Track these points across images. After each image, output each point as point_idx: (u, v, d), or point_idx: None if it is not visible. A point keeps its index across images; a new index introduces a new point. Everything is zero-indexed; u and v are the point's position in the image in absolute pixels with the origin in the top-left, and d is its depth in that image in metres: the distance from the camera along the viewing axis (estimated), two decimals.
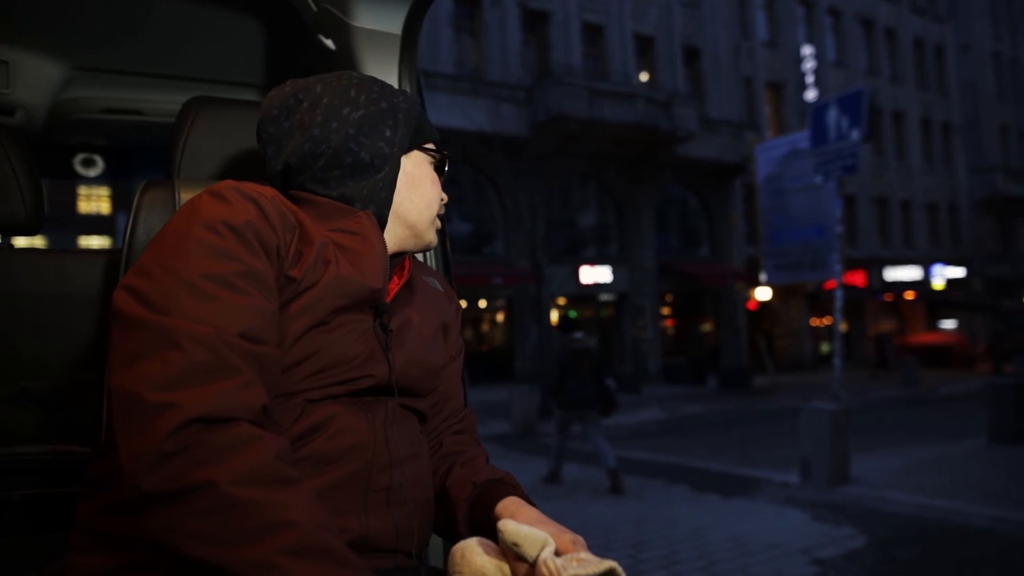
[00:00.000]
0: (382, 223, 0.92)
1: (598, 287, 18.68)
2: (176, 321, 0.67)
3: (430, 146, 0.98)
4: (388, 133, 0.92)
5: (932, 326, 27.56)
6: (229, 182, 0.80)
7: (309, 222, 0.83)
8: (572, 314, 19.76)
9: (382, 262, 0.86)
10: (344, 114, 0.90)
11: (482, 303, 18.26)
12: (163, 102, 1.99)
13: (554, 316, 18.57)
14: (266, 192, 0.81)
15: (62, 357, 1.34)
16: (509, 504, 0.87)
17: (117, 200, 19.15)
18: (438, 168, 1.00)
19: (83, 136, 2.15)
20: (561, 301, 18.85)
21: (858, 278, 23.85)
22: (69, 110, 1.95)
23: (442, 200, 1.00)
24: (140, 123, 2.03)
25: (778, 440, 9.28)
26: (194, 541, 0.60)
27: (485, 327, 18.90)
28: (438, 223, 1.00)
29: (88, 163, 2.24)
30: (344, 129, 0.89)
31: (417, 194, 0.95)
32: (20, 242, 1.50)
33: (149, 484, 0.61)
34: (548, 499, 6.25)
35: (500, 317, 18.78)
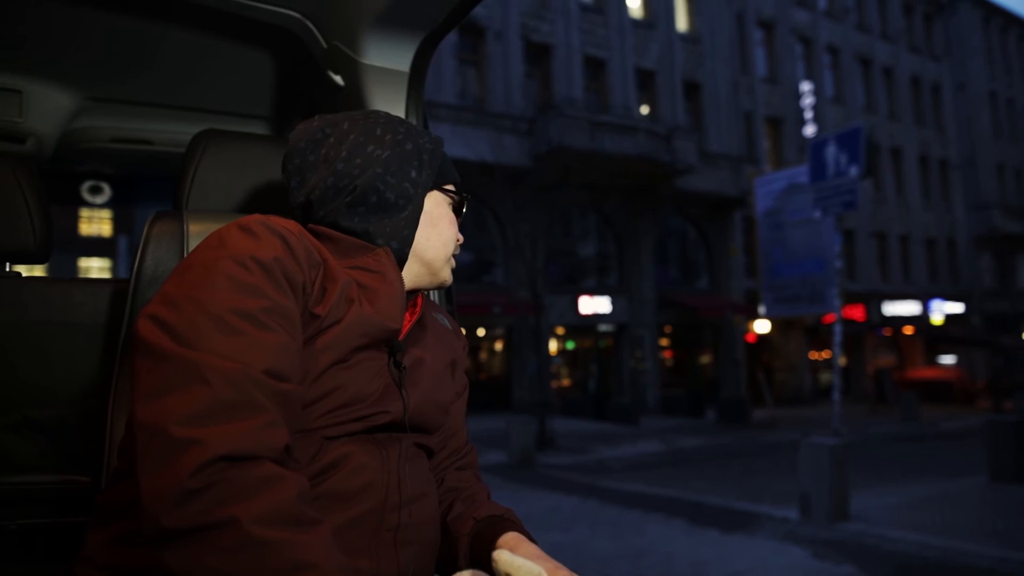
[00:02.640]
0: (401, 261, 0.94)
1: (597, 318, 18.67)
2: (202, 356, 0.67)
3: (450, 187, 1.00)
4: (413, 174, 0.94)
5: (931, 361, 27.50)
6: (257, 217, 0.80)
7: (334, 262, 0.84)
8: (570, 345, 19.73)
9: (400, 301, 0.87)
10: (369, 151, 0.91)
11: (481, 332, 18.22)
12: (172, 132, 2.02)
13: (553, 346, 18.53)
14: (292, 228, 0.81)
15: (66, 386, 1.34)
16: (509, 539, 0.88)
17: (118, 223, 19.21)
18: (456, 209, 1.02)
19: (92, 164, 2.17)
20: (560, 331, 18.82)
21: (857, 312, 23.86)
22: (79, 139, 1.98)
23: (458, 240, 1.02)
24: (148, 153, 2.06)
25: (777, 474, 9.20)
26: None
27: (484, 356, 18.84)
28: (453, 262, 1.02)
29: (95, 190, 2.26)
30: (371, 168, 0.90)
31: (435, 233, 0.97)
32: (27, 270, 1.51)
33: (170, 521, 0.60)
34: (546, 530, 6.18)
35: (499, 346, 18.73)
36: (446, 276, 1.01)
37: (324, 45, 1.50)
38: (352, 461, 0.80)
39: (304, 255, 0.79)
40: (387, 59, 1.41)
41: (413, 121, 1.49)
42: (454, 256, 1.03)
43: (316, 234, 0.91)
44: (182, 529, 0.61)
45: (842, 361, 7.87)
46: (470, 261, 17.34)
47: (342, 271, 0.84)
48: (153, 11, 1.53)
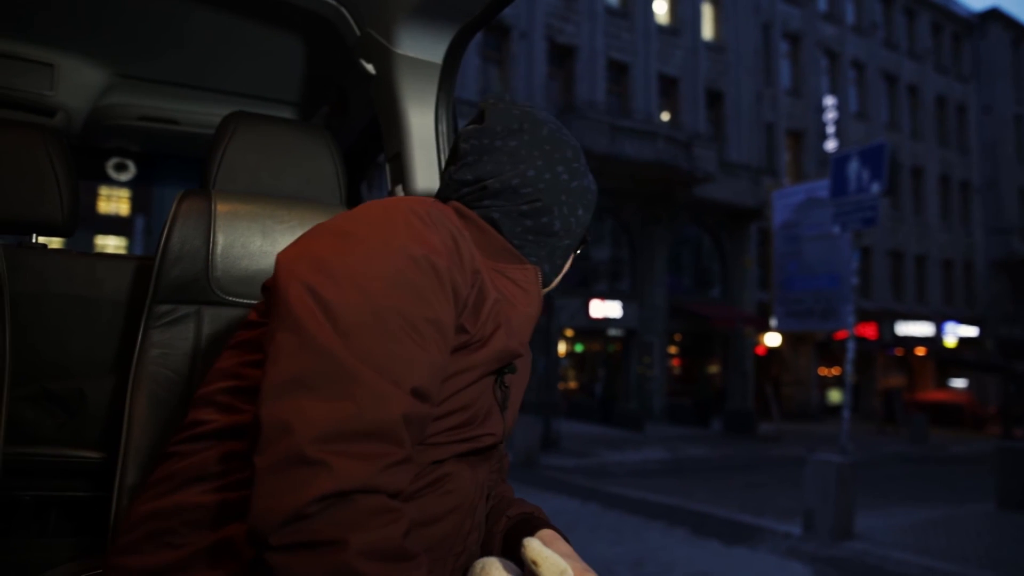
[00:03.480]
0: (545, 286, 0.93)
1: (607, 322, 18.62)
2: (358, 362, 0.63)
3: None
4: (580, 212, 0.94)
5: (942, 384, 27.23)
6: (427, 203, 0.76)
7: (479, 259, 0.80)
8: (579, 348, 19.69)
9: (533, 325, 0.87)
10: (558, 173, 0.90)
11: None
12: (198, 113, 2.02)
13: (561, 348, 18.50)
14: (460, 226, 0.78)
15: (86, 361, 1.34)
16: (544, 535, 0.88)
17: (136, 203, 19.36)
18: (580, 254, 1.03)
19: (118, 141, 2.18)
20: (569, 333, 18.78)
21: (869, 330, 23.67)
22: (108, 115, 1.98)
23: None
24: (174, 132, 2.06)
25: (782, 489, 9.14)
26: None
27: None
28: None
29: (120, 167, 2.27)
30: (556, 191, 0.90)
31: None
32: (53, 243, 1.52)
33: (277, 540, 0.58)
34: None
35: None
36: None
37: (357, 32, 1.49)
38: (447, 483, 0.78)
39: (469, 262, 0.75)
40: (420, 50, 1.41)
41: (444, 115, 1.48)
42: None
43: (467, 218, 0.88)
44: (287, 545, 0.58)
45: (852, 379, 7.78)
46: None
47: (490, 281, 0.81)
48: None
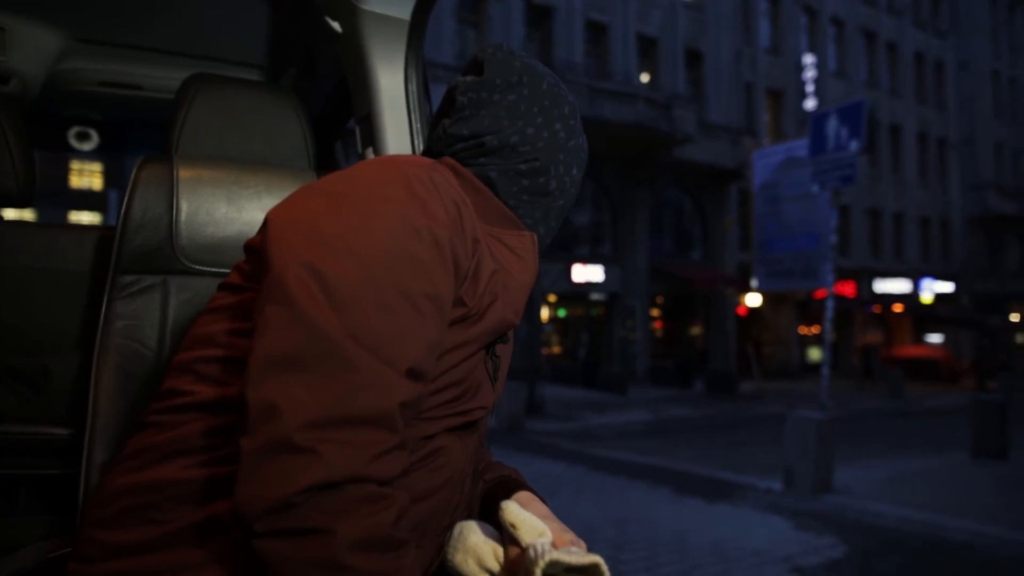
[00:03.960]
0: (540, 249, 0.90)
1: (589, 286, 18.68)
2: (352, 341, 0.60)
3: None
4: (575, 171, 0.91)
5: (919, 339, 27.76)
6: (428, 167, 0.72)
7: (477, 223, 0.76)
8: (561, 313, 19.77)
9: (527, 293, 0.84)
10: (556, 130, 0.87)
11: None
12: (162, 78, 1.95)
13: (544, 313, 18.56)
14: (461, 193, 0.74)
15: (49, 335, 1.30)
16: (522, 497, 0.87)
17: (109, 176, 18.97)
18: None
19: (79, 109, 2.10)
20: (552, 299, 18.83)
21: (848, 288, 23.98)
22: (66, 81, 1.91)
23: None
24: (137, 98, 1.99)
25: (763, 446, 9.31)
26: None
27: None
28: None
29: (82, 136, 2.20)
30: (554, 150, 0.87)
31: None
32: (9, 214, 1.47)
33: (262, 527, 0.56)
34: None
35: None
36: None
37: None
38: (441, 457, 0.76)
39: (470, 231, 0.72)
40: (387, 5, 1.36)
41: (413, 75, 1.43)
42: None
43: (462, 176, 0.84)
44: (274, 531, 0.56)
45: (831, 337, 7.90)
46: None
47: (490, 248, 0.78)
48: None
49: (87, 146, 2.22)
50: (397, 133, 1.40)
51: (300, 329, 0.60)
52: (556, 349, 19.87)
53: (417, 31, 1.42)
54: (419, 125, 1.45)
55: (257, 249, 0.72)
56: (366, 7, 1.35)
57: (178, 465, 0.69)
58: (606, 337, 19.35)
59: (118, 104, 2.04)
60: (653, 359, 19.54)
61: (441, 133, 0.87)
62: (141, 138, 2.48)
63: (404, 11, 1.39)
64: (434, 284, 0.66)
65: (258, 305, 0.65)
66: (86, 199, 20.11)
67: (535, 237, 0.87)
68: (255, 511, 0.56)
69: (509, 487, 0.90)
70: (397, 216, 0.66)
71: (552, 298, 18.81)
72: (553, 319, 19.77)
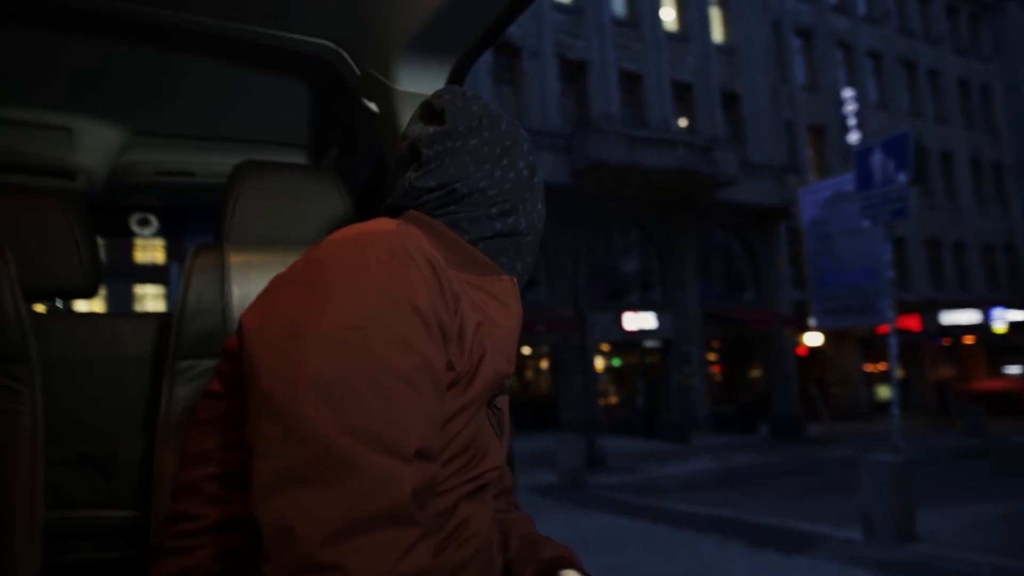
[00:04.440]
0: (526, 273, 0.90)
1: (642, 334, 18.45)
2: (352, 439, 0.57)
3: None
4: (540, 206, 0.92)
5: (995, 372, 26.37)
6: (397, 233, 0.69)
7: (453, 274, 0.74)
8: (616, 362, 19.52)
9: (517, 340, 0.82)
10: (520, 169, 0.87)
11: (526, 350, 18.17)
12: (213, 164, 2.04)
13: (599, 363, 18.36)
14: (433, 252, 0.71)
15: (116, 421, 1.34)
16: None
17: (171, 250, 19.85)
18: None
19: (139, 197, 2.21)
20: (605, 348, 18.64)
21: (912, 322, 23.09)
22: (126, 173, 2.01)
23: None
24: (192, 184, 2.09)
25: (837, 493, 8.88)
26: None
27: (529, 375, 18.76)
28: None
29: (143, 223, 2.30)
30: (521, 191, 0.87)
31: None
32: (79, 306, 1.53)
33: None
34: (598, 553, 6.05)
35: (544, 364, 18.64)
36: None
37: (358, 73, 1.50)
38: (469, 528, 0.73)
39: (449, 290, 0.69)
40: (420, 84, 1.40)
41: None
42: None
43: (434, 230, 0.81)
44: None
45: (900, 373, 7.55)
46: None
47: (471, 300, 0.76)
48: (193, 45, 1.54)
49: (148, 231, 2.32)
50: None
51: (296, 441, 0.58)
52: (613, 399, 19.55)
53: None
54: None
55: (235, 353, 0.70)
56: (400, 87, 1.40)
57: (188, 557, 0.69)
58: (663, 385, 18.98)
59: (174, 191, 2.14)
60: (713, 405, 19.03)
61: (407, 187, 0.84)
62: (198, 219, 2.59)
63: (436, 88, 1.43)
64: (424, 356, 0.63)
65: (251, 421, 0.62)
66: (150, 273, 21.03)
67: (514, 280, 0.86)
68: None
69: (559, 570, 0.85)
70: (375, 293, 0.63)
71: (605, 347, 18.62)
72: (608, 369, 19.51)
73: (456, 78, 1.43)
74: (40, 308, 1.52)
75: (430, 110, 0.87)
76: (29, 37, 1.47)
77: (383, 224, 0.72)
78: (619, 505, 8.69)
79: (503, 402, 0.85)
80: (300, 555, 0.54)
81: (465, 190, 0.82)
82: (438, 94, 0.89)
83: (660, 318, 18.48)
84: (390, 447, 0.59)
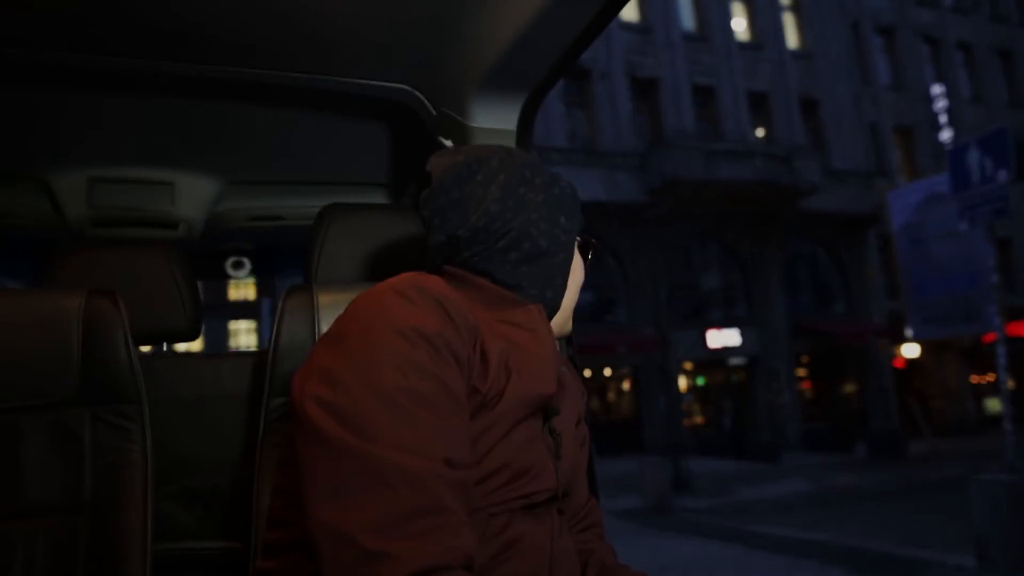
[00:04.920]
0: (552, 312, 0.91)
1: (727, 351, 17.95)
2: (382, 450, 0.65)
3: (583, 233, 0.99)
4: (563, 220, 0.91)
5: None
6: (408, 278, 0.77)
7: (479, 314, 0.80)
8: (700, 381, 19.04)
9: (553, 362, 0.84)
10: (521, 194, 0.88)
11: (607, 372, 17.98)
12: (301, 207, 2.16)
13: (682, 383, 17.96)
14: (444, 290, 0.77)
15: (218, 456, 1.43)
16: None
17: (261, 288, 20.83)
18: (584, 255, 1.00)
19: (233, 242, 2.36)
20: (688, 367, 18.24)
21: (1023, 328, 21.52)
22: (222, 220, 2.15)
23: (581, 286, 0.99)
24: (281, 227, 2.21)
25: (945, 516, 8.33)
26: None
27: (611, 396, 18.54)
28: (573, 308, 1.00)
29: (238, 265, 2.45)
30: (524, 212, 0.87)
31: (573, 281, 0.95)
32: (181, 347, 1.65)
33: None
34: None
35: (626, 385, 18.39)
36: (570, 327, 0.99)
37: (434, 113, 1.56)
38: (525, 542, 0.77)
39: (463, 323, 0.75)
40: (494, 120, 1.45)
41: None
42: None
43: (459, 279, 0.87)
44: None
45: (1011, 384, 7.03)
46: (591, 300, 17.27)
47: (494, 331, 0.80)
48: (281, 99, 1.65)
49: (242, 274, 2.47)
50: None
51: (336, 459, 0.65)
52: (698, 419, 19.05)
53: (523, 138, 1.51)
54: None
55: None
56: (474, 124, 1.45)
57: None
58: (751, 403, 18.36)
59: (265, 234, 2.27)
60: (805, 423, 18.24)
61: (430, 250, 0.91)
62: (286, 258, 2.73)
63: (510, 123, 1.48)
64: (439, 379, 0.70)
65: (300, 453, 0.70)
66: (242, 309, 22.10)
67: (540, 308, 0.87)
68: None
69: None
70: (384, 328, 0.71)
71: (688, 366, 18.21)
72: (692, 388, 19.05)
73: (528, 112, 1.48)
74: (145, 348, 1.65)
75: (426, 175, 0.92)
76: (132, 101, 1.62)
77: (403, 276, 0.79)
78: (708, 529, 8.43)
79: (564, 425, 0.88)
80: (351, 549, 0.61)
81: (467, 234, 0.86)
82: (430, 159, 0.94)
83: (745, 334, 17.95)
84: (420, 454, 0.65)
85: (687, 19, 19.13)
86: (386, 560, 0.60)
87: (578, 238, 0.97)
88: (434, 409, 0.68)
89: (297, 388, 0.73)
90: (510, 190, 0.87)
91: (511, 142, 1.50)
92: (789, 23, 20.63)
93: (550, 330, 0.87)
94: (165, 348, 1.57)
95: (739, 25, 19.81)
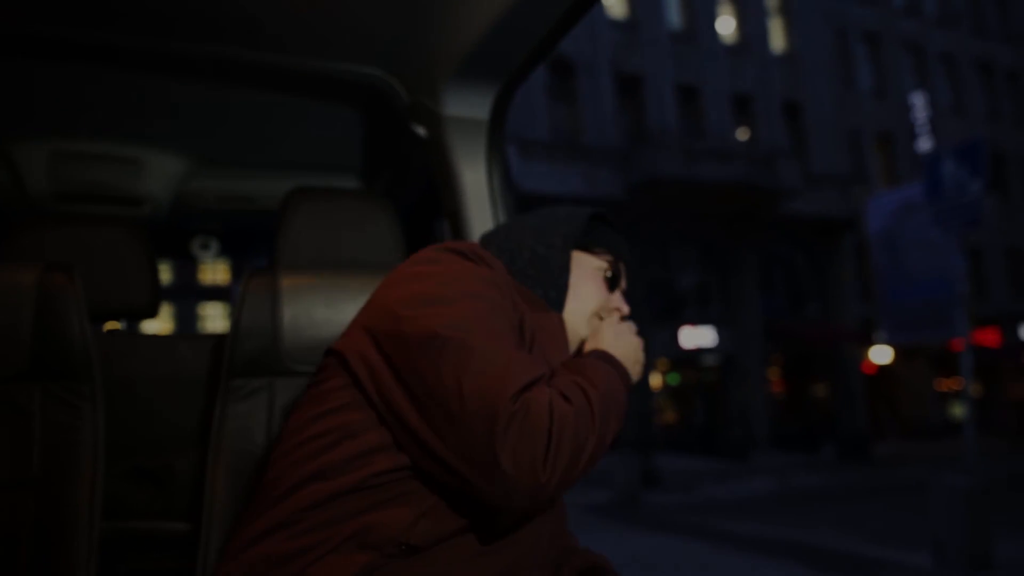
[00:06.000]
0: (560, 306, 1.01)
1: (701, 350, 18.10)
2: (490, 345, 0.79)
3: (603, 252, 1.06)
4: (562, 228, 1.05)
5: None
6: (472, 246, 0.91)
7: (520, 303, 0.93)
8: (673, 379, 19.18)
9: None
10: (524, 222, 1.09)
11: None
12: (271, 189, 2.13)
13: (655, 380, 18.09)
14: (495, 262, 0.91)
15: (173, 436, 1.42)
16: None
17: (235, 272, 20.63)
18: (611, 278, 1.07)
19: (200, 222, 2.33)
20: (663, 365, 18.36)
21: (990, 337, 21.94)
22: (189, 200, 2.12)
23: (613, 309, 1.06)
24: (250, 210, 2.18)
25: (906, 517, 8.50)
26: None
27: None
28: None
29: (204, 246, 2.42)
30: (525, 234, 1.06)
31: (574, 294, 1.02)
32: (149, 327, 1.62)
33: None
34: (650, 572, 5.95)
35: None
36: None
37: (406, 100, 1.55)
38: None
39: (507, 290, 0.88)
40: (466, 109, 1.45)
41: (495, 168, 1.51)
42: None
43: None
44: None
45: (976, 391, 7.19)
46: None
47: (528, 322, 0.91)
48: (253, 79, 1.63)
49: (209, 254, 2.44)
50: (482, 225, 1.47)
51: (469, 358, 0.78)
52: (670, 417, 19.22)
53: (496, 129, 1.50)
54: (503, 216, 1.51)
55: (340, 352, 0.88)
56: (447, 112, 1.44)
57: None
58: (722, 402, 18.56)
59: (238, 217, 2.24)
60: (775, 423, 18.48)
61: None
62: (261, 242, 2.70)
63: (483, 112, 1.48)
64: (503, 307, 0.85)
65: (419, 364, 0.80)
66: (214, 292, 21.86)
67: (561, 318, 0.99)
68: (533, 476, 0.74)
69: None
70: (458, 263, 0.88)
71: (663, 364, 18.34)
72: (665, 386, 19.20)
73: (502, 101, 1.47)
74: (115, 325, 1.62)
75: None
76: (99, 75, 1.58)
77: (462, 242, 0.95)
78: (675, 525, 8.53)
79: None
80: (500, 404, 0.74)
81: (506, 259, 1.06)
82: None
83: (719, 333, 18.10)
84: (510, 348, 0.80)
85: (674, 18, 19.17)
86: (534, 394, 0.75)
87: (605, 258, 1.07)
88: (502, 338, 0.81)
89: (389, 318, 0.84)
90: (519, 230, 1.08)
91: (483, 132, 1.49)
92: (776, 27, 20.76)
93: (566, 337, 0.99)
94: (125, 326, 1.54)
95: (726, 27, 19.89)
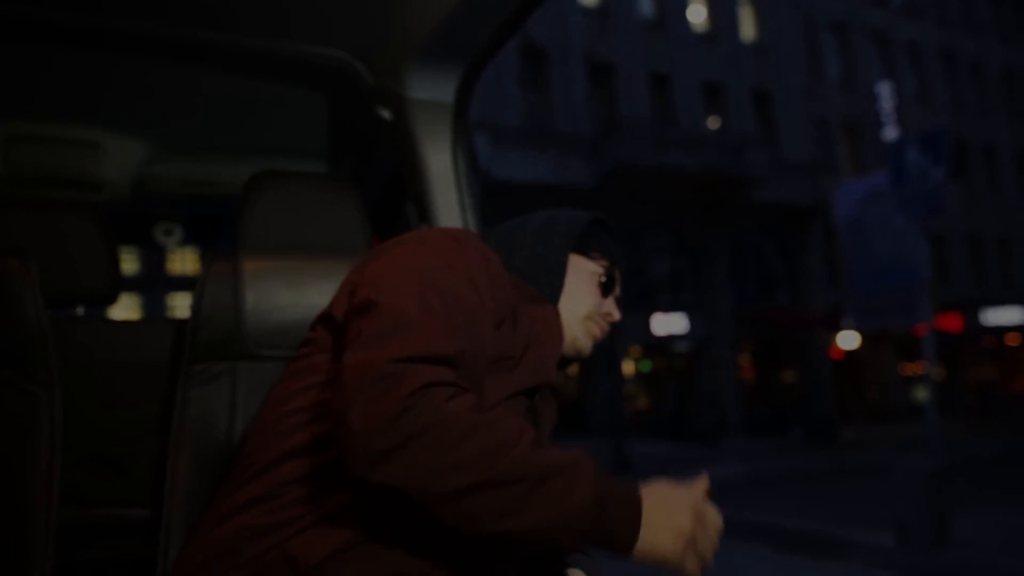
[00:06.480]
0: (555, 298, 1.03)
1: (673, 336, 18.29)
2: (421, 317, 0.79)
3: (599, 256, 1.07)
4: (557, 237, 1.07)
5: None
6: (468, 233, 0.93)
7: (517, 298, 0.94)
8: (645, 365, 19.37)
9: (558, 355, 0.98)
10: (523, 224, 1.12)
11: None
12: (235, 174, 2.10)
13: (628, 367, 18.25)
14: (488, 252, 0.92)
15: (133, 423, 1.39)
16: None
17: (204, 260, 20.28)
18: (605, 282, 1.08)
19: (163, 208, 2.28)
20: (635, 352, 18.52)
21: (953, 322, 22.48)
22: (150, 185, 2.08)
23: (607, 315, 1.08)
24: (214, 194, 2.15)
25: (870, 498, 8.70)
26: None
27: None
28: (595, 331, 1.08)
29: (168, 232, 2.37)
30: (526, 235, 1.08)
31: (568, 294, 1.04)
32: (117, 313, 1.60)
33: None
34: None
35: (571, 369, 18.59)
36: (582, 345, 1.08)
37: (370, 82, 1.54)
38: None
39: (498, 277, 0.89)
40: (431, 92, 1.44)
41: (460, 152, 1.50)
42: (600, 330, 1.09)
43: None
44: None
45: (939, 375, 7.39)
46: None
47: (525, 311, 0.92)
48: (213, 60, 1.60)
49: (173, 241, 2.39)
50: (447, 208, 1.47)
51: (386, 319, 0.78)
52: (642, 403, 19.41)
53: (461, 112, 1.50)
54: (468, 200, 1.50)
55: (332, 317, 0.91)
56: (411, 95, 1.44)
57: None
58: (694, 388, 18.79)
59: (197, 201, 2.20)
60: (745, 408, 18.78)
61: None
62: (225, 231, 2.65)
63: (447, 95, 1.47)
64: (473, 284, 0.85)
65: (352, 325, 0.82)
66: (184, 282, 21.46)
67: (557, 310, 1.01)
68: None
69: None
70: (430, 244, 0.89)
71: (635, 351, 18.50)
72: (637, 372, 19.38)
73: (466, 85, 1.47)
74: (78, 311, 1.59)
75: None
76: (54, 55, 1.54)
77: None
78: None
79: (545, 410, 0.99)
80: (378, 362, 0.73)
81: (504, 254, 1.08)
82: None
83: (691, 320, 18.31)
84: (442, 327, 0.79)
85: (645, 6, 19.21)
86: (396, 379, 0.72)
87: (602, 269, 1.08)
88: (460, 301, 0.82)
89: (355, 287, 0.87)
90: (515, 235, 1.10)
91: (448, 115, 1.49)
92: (746, 15, 20.92)
93: (562, 328, 1.00)
94: (83, 312, 1.51)
95: (696, 15, 19.98)
